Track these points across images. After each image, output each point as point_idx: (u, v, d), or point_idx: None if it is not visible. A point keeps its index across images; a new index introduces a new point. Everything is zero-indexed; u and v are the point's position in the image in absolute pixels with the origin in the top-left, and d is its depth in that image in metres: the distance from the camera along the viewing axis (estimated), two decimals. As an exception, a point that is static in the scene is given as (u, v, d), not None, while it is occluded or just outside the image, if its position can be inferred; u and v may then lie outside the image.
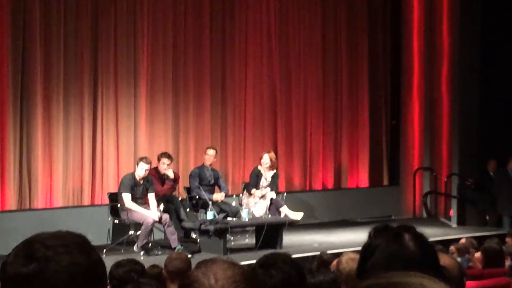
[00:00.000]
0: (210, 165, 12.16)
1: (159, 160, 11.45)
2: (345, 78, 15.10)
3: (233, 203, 12.04)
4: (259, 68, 14.08)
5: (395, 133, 15.65)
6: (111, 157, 12.40)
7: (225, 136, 13.71)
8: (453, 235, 12.08)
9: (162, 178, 11.51)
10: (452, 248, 8.57)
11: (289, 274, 3.53)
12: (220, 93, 13.67)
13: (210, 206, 11.03)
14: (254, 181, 12.25)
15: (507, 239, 9.74)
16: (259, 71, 14.07)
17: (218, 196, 11.87)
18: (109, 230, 11.18)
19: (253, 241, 11.14)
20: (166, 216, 10.70)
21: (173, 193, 11.78)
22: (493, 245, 7.75)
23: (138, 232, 10.70)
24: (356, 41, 15.21)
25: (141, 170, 10.79)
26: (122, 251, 10.58)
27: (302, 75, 14.57)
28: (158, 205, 10.98)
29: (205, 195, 11.66)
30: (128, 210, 10.71)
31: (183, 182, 12.47)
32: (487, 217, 13.98)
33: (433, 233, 12.01)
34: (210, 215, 10.76)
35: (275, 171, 12.38)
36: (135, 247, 10.66)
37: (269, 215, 11.73)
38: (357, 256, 5.07)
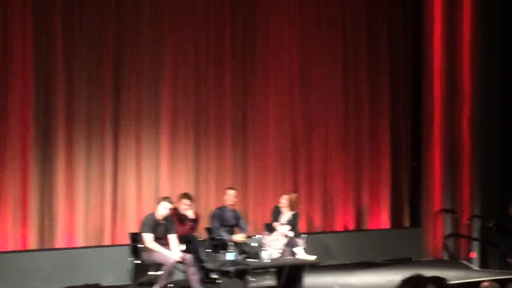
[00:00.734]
0: (231, 205, 12.17)
1: (179, 200, 11.47)
2: (366, 119, 15.10)
3: (254, 244, 12.01)
4: (281, 108, 14.12)
5: (416, 174, 15.60)
6: (132, 197, 12.43)
7: (246, 177, 13.72)
8: (474, 278, 11.97)
9: (182, 218, 11.52)
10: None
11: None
12: (241, 134, 13.70)
13: (231, 247, 11.00)
14: (275, 219, 12.28)
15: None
16: (280, 113, 14.10)
17: (239, 237, 11.87)
18: (130, 270, 11.16)
19: (274, 282, 11.07)
20: (189, 256, 10.67)
21: (194, 234, 11.77)
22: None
23: (159, 272, 10.68)
24: (377, 84, 15.23)
25: (164, 209, 10.78)
26: (143, 291, 10.57)
27: (323, 115, 14.59)
28: (179, 245, 10.96)
29: (225, 236, 11.66)
30: (149, 250, 10.70)
31: (204, 223, 12.47)
32: (509, 260, 13.85)
33: (454, 276, 11.92)
34: (230, 256, 10.73)
35: (295, 211, 12.39)
36: (155, 288, 10.64)
37: (284, 255, 11.65)
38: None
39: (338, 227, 14.71)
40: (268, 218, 12.69)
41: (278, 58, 14.16)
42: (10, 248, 11.24)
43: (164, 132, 12.80)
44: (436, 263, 14.13)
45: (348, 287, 11.13)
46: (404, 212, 15.56)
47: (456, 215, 15.00)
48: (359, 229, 14.90)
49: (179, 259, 10.52)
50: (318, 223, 14.46)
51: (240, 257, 11.17)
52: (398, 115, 15.52)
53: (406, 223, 15.60)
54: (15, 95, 11.40)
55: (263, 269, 11.69)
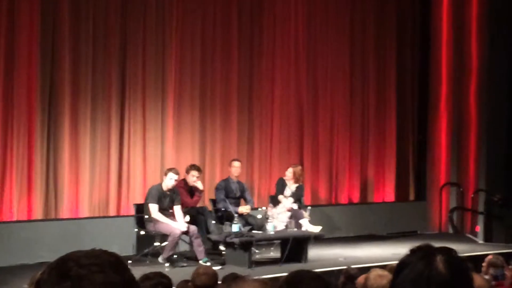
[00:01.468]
0: (236, 177, 12.17)
1: (188, 172, 11.46)
2: (372, 92, 15.07)
3: (259, 216, 12.03)
4: (286, 81, 14.08)
5: (422, 148, 15.58)
6: (138, 168, 12.43)
7: (252, 149, 13.71)
8: (479, 252, 11.97)
9: (191, 190, 11.53)
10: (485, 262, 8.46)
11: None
12: (247, 106, 13.68)
13: (236, 219, 11.02)
14: (278, 191, 12.30)
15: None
16: (286, 84, 14.07)
17: (244, 209, 11.88)
18: (134, 241, 11.18)
19: (278, 254, 11.10)
20: (194, 228, 10.70)
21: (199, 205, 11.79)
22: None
23: (164, 244, 10.71)
24: (384, 56, 15.19)
25: (170, 181, 10.80)
26: (147, 262, 10.57)
27: (329, 89, 14.56)
28: (184, 216, 10.98)
29: (230, 208, 11.68)
30: (154, 221, 10.72)
31: (209, 194, 12.48)
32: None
33: (459, 249, 11.75)
34: (235, 227, 10.75)
35: (300, 184, 12.40)
36: (160, 259, 10.64)
37: (289, 228, 11.68)
38: (385, 273, 5.06)
39: (343, 200, 14.72)
40: (273, 191, 12.70)
41: (284, 33, 14.10)
42: (15, 218, 11.27)
43: (169, 104, 12.78)
44: (441, 236, 14.15)
45: (353, 259, 11.13)
46: (409, 185, 15.57)
47: (461, 189, 14.99)
48: (364, 202, 14.90)
49: (185, 230, 10.54)
50: (323, 195, 14.47)
51: (245, 229, 11.20)
52: (404, 88, 15.48)
53: (411, 197, 15.62)
54: (21, 66, 11.37)
55: (268, 241, 11.71)
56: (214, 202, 12.09)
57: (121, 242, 10.91)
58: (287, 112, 14.09)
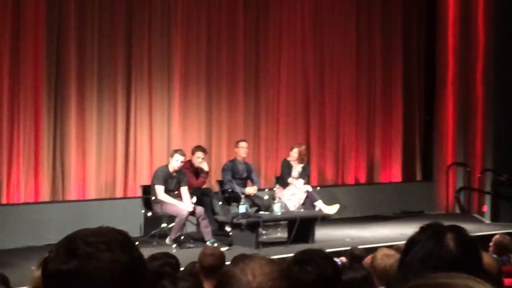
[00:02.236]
0: (243, 158, 12.16)
1: (193, 153, 11.48)
2: (379, 72, 15.03)
3: (266, 197, 12.03)
4: (293, 62, 14.05)
5: (429, 128, 15.55)
6: (144, 150, 12.44)
7: (258, 130, 13.70)
8: (486, 231, 11.96)
9: (196, 171, 11.53)
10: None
11: (325, 270, 3.51)
12: (254, 87, 13.66)
13: (243, 200, 11.02)
14: (286, 173, 12.28)
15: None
16: (292, 65, 14.04)
17: (251, 189, 11.88)
18: (141, 222, 11.20)
19: (285, 235, 11.10)
20: (200, 209, 10.71)
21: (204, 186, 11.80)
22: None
23: (171, 225, 10.72)
24: (390, 36, 15.14)
25: (176, 162, 10.80)
26: (155, 243, 10.59)
27: (336, 69, 14.52)
28: (191, 197, 10.99)
29: (237, 189, 11.68)
30: (161, 202, 10.73)
31: (216, 175, 12.48)
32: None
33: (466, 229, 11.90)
34: (242, 208, 10.75)
35: (305, 163, 12.39)
36: (167, 240, 10.67)
37: (303, 209, 11.72)
38: (392, 252, 5.05)
39: (350, 180, 14.71)
40: (279, 171, 12.68)
41: (291, 13, 14.05)
42: (22, 200, 11.29)
43: (176, 85, 12.76)
44: (448, 216, 14.13)
45: (359, 240, 11.13)
46: (416, 165, 15.55)
47: (468, 169, 14.97)
48: (370, 182, 14.90)
49: (191, 211, 10.55)
50: (330, 176, 14.46)
51: (252, 210, 11.20)
52: (411, 68, 15.44)
53: (418, 177, 15.60)
54: (27, 49, 11.35)
55: (275, 222, 11.72)
56: (221, 183, 12.09)
57: (128, 223, 10.89)
58: (293, 93, 14.06)
